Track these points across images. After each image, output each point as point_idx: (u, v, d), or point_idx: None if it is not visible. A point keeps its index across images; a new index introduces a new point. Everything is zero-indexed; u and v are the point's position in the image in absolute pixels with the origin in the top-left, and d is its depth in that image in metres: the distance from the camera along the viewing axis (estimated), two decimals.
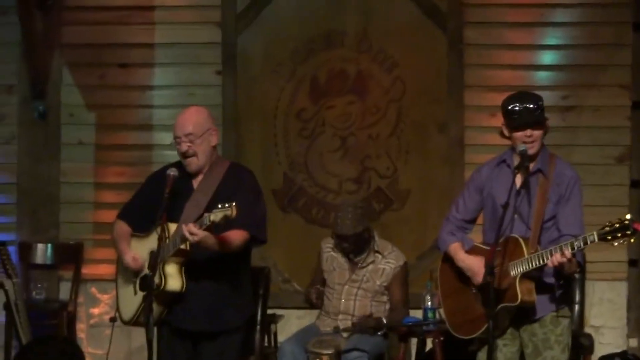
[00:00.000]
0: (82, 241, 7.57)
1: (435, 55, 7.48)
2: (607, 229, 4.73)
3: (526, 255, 4.92)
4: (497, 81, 7.32)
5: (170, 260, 5.14)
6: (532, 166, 5.07)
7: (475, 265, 5.09)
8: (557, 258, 4.83)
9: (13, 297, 6.15)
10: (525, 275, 4.94)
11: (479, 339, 5.15)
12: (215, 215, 4.90)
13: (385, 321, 6.22)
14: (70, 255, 7.55)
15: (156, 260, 5.04)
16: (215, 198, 5.13)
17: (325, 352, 6.10)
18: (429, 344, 6.46)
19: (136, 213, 5.42)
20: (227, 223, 4.99)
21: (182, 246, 5.08)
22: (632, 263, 7.37)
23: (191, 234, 4.96)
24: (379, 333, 6.21)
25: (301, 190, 7.55)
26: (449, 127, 7.44)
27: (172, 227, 5.15)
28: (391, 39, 7.50)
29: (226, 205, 4.88)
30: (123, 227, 5.44)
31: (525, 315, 5.06)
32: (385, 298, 6.40)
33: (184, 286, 5.17)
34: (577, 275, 6.03)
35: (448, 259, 5.28)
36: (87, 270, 7.56)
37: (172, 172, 5.22)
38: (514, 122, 5.05)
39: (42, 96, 7.55)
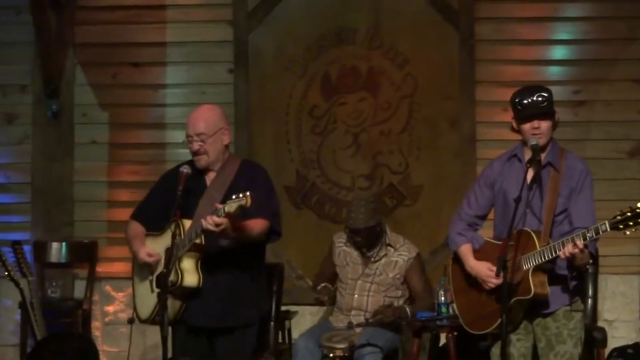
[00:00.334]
0: (97, 239, 7.59)
1: (447, 51, 7.47)
2: (619, 217, 4.75)
3: (538, 249, 4.94)
4: (509, 76, 7.31)
5: (186, 256, 5.15)
6: (542, 159, 5.08)
7: (483, 273, 5.10)
8: (569, 249, 4.84)
9: (28, 295, 6.16)
10: (538, 268, 4.95)
11: (492, 334, 5.16)
12: (230, 206, 4.88)
13: (409, 310, 6.21)
14: (84, 254, 7.58)
15: (171, 256, 5.03)
16: (228, 193, 5.10)
17: (339, 346, 6.11)
18: (443, 339, 6.47)
19: (150, 212, 5.43)
20: (243, 213, 4.98)
21: (197, 240, 5.08)
22: None
23: (215, 224, 4.93)
24: (404, 323, 6.20)
25: (314, 187, 7.56)
26: (461, 123, 7.44)
27: (187, 223, 5.16)
28: (402, 35, 7.50)
29: (240, 195, 4.86)
30: (136, 228, 5.45)
31: (538, 308, 5.06)
32: (399, 292, 6.40)
33: (201, 281, 5.17)
34: (590, 269, 6.03)
35: (458, 259, 5.28)
36: (101, 269, 7.59)
37: (185, 169, 5.23)
38: (521, 113, 5.07)
39: (56, 95, 7.57)
